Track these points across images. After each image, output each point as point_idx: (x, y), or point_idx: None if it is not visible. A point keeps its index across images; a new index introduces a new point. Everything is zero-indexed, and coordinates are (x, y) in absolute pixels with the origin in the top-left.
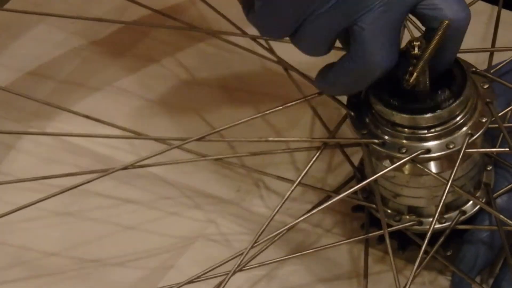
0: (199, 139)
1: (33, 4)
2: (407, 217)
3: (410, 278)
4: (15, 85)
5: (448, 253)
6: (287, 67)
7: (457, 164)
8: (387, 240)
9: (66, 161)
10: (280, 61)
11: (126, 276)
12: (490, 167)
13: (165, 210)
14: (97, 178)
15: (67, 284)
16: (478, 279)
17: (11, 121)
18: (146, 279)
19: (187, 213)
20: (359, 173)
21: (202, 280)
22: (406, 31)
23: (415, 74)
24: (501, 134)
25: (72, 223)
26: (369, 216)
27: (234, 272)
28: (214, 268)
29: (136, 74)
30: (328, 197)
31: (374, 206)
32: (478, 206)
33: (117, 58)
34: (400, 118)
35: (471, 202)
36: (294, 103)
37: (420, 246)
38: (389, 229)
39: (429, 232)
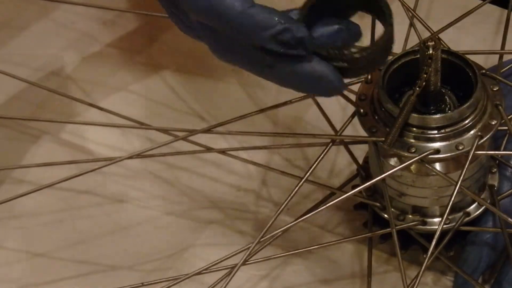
0: (205, 131)
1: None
2: (411, 216)
3: (419, 277)
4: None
5: (451, 254)
6: None
7: (466, 165)
8: (395, 238)
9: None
10: None
11: (125, 277)
12: (495, 169)
13: (164, 210)
14: (101, 167)
15: (64, 285)
16: (480, 279)
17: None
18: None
19: (186, 213)
20: (363, 171)
21: (209, 272)
22: (413, 31)
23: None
24: (506, 136)
25: (69, 222)
26: (372, 215)
27: (241, 265)
28: (221, 261)
29: (137, 73)
30: (331, 195)
31: (378, 204)
32: (482, 208)
33: (118, 56)
34: (410, 117)
35: (475, 203)
36: (299, 99)
37: (423, 246)
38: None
39: (438, 232)
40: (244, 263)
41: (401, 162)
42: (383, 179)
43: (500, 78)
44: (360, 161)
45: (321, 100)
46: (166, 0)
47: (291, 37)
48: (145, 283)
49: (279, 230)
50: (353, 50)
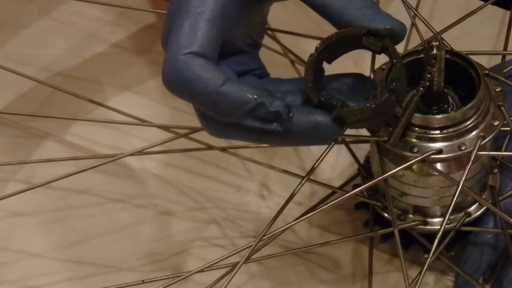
0: None
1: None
2: (412, 216)
3: (422, 276)
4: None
5: (452, 254)
6: (293, 60)
7: (469, 165)
8: (397, 238)
9: (65, 162)
10: (286, 54)
11: (125, 277)
12: (496, 170)
13: (163, 210)
14: (101, 164)
15: (64, 285)
16: (480, 279)
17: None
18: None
19: (186, 213)
20: (365, 170)
21: (210, 270)
22: (415, 31)
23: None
24: (507, 136)
25: (69, 222)
26: (373, 214)
27: (243, 262)
28: (222, 259)
29: (138, 72)
30: (332, 194)
31: (379, 204)
32: (483, 208)
33: (119, 56)
34: (413, 117)
35: (476, 204)
36: None
37: (423, 246)
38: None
39: (440, 233)
40: (246, 261)
41: (403, 161)
42: (385, 179)
43: (502, 79)
44: (362, 160)
45: None
46: None
47: (266, 111)
48: (145, 281)
49: (280, 229)
50: (353, 105)
